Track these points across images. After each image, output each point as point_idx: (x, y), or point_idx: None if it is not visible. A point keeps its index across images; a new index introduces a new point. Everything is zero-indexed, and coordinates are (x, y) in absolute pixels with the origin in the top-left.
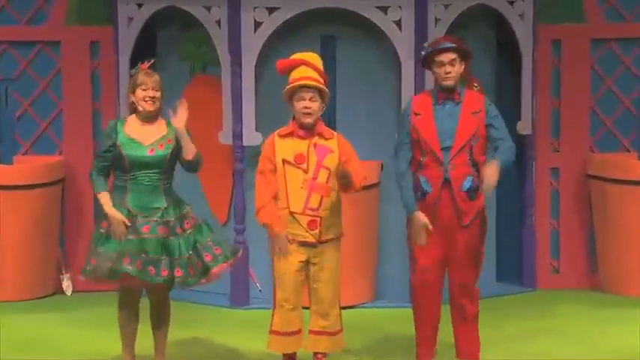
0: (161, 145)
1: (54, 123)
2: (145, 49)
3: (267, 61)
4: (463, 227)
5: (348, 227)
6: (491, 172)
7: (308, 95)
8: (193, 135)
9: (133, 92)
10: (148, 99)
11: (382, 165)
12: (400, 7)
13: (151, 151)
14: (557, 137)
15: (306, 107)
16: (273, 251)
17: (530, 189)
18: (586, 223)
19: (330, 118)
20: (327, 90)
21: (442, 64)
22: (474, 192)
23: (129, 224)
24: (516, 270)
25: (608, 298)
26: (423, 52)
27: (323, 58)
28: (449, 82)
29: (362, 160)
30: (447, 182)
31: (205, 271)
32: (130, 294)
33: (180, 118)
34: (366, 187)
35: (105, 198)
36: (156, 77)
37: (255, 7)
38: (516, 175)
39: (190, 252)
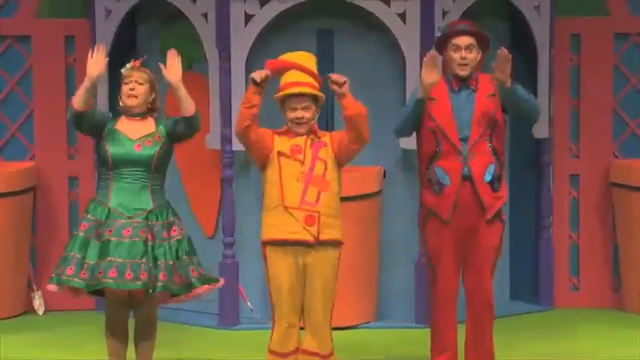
0: (149, 142)
1: (24, 126)
2: (124, 45)
3: (258, 58)
4: (486, 223)
5: (347, 239)
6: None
7: (301, 104)
8: None
9: (121, 88)
10: (129, 91)
11: (384, 172)
12: None
13: (138, 146)
14: (577, 141)
15: (298, 117)
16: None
17: (547, 198)
18: (608, 236)
19: (327, 120)
20: (322, 95)
21: (458, 47)
22: (496, 181)
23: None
24: (532, 287)
25: (633, 318)
26: (438, 34)
27: (320, 53)
28: (463, 72)
29: (362, 165)
30: (467, 174)
31: (189, 286)
32: (114, 308)
33: (173, 70)
34: (366, 196)
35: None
36: (141, 72)
37: None
38: (532, 182)
39: (176, 261)
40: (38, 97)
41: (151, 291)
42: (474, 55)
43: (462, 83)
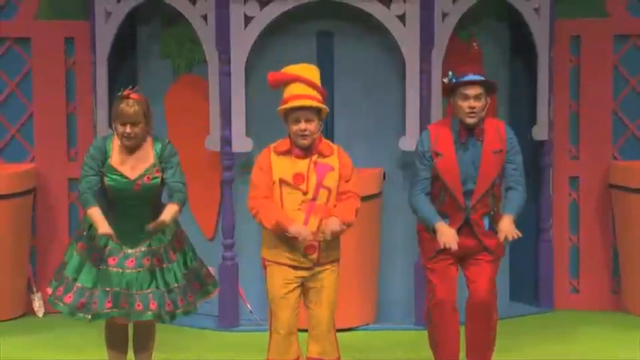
0: (147, 178)
1: (24, 127)
2: (124, 47)
3: (258, 60)
4: (482, 248)
5: (347, 242)
6: (509, 227)
7: (304, 116)
8: (177, 141)
9: (115, 122)
10: (125, 134)
11: (384, 173)
12: (404, 0)
13: (137, 185)
14: (577, 143)
15: (302, 130)
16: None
17: (547, 200)
18: (608, 238)
19: (327, 122)
20: (325, 107)
21: (467, 97)
22: (493, 223)
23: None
24: (532, 289)
25: (633, 320)
26: (445, 80)
27: (319, 55)
28: (472, 120)
29: (362, 167)
30: (467, 222)
31: (205, 292)
32: (115, 324)
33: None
34: (366, 198)
35: (96, 214)
36: (135, 108)
37: (245, 1)
38: (532, 184)
39: (186, 272)
40: (38, 98)
41: (169, 319)
42: (482, 104)
43: (468, 133)
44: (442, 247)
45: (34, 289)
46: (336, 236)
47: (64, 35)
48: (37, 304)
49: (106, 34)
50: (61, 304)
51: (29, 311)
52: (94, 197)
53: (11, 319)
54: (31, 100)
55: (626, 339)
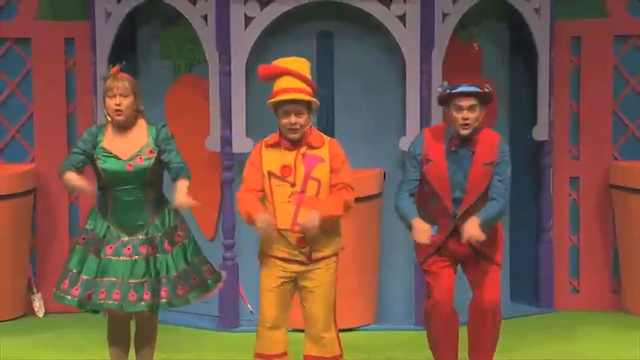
0: (140, 158)
1: (25, 128)
2: (124, 47)
3: (258, 60)
4: (477, 253)
5: (347, 242)
6: (473, 229)
7: (294, 110)
8: (177, 141)
9: (104, 99)
10: (115, 107)
11: (385, 174)
12: (404, 0)
13: (130, 166)
14: (577, 144)
15: (292, 123)
16: (260, 232)
17: (548, 200)
18: (608, 238)
19: (327, 122)
20: (315, 100)
21: (461, 108)
22: (483, 230)
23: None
24: (532, 289)
25: (633, 320)
26: (439, 90)
27: (320, 56)
28: (465, 132)
29: (362, 168)
30: (456, 229)
31: (205, 288)
32: (117, 320)
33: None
34: (366, 198)
35: (70, 175)
36: (124, 82)
37: (245, 1)
38: (532, 185)
39: (185, 266)
40: (38, 99)
41: (155, 309)
42: (475, 115)
43: (460, 142)
44: (418, 242)
45: (34, 290)
46: (311, 232)
47: (64, 36)
48: (37, 305)
49: (106, 34)
50: (69, 297)
51: (29, 311)
52: (72, 167)
53: (11, 319)
54: (32, 101)
55: (626, 339)
